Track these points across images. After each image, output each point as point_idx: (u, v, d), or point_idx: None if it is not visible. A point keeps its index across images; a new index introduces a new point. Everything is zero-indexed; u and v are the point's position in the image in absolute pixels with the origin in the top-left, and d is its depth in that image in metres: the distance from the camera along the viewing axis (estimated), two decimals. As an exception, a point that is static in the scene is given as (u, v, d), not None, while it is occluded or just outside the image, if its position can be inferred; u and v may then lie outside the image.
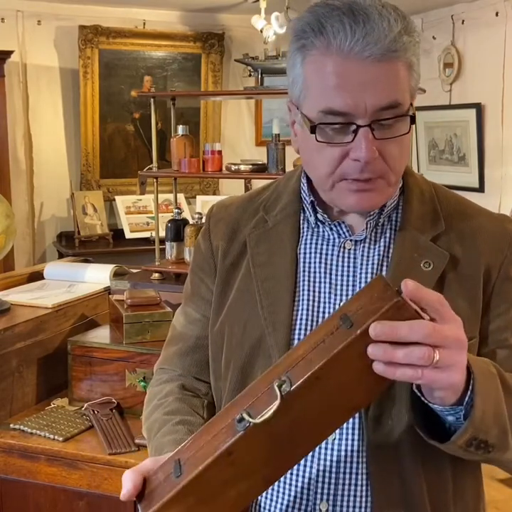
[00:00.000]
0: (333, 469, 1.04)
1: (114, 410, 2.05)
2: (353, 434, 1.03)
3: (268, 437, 0.85)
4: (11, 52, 4.49)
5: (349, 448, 1.03)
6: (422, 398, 0.92)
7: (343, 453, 1.03)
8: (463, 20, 4.68)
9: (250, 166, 2.65)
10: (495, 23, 4.41)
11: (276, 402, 0.82)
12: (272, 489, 1.07)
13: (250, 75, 3.22)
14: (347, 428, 1.04)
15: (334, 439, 1.04)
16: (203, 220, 2.52)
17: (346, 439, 1.04)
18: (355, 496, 1.03)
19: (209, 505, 0.88)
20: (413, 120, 0.99)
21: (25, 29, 4.79)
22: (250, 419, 0.83)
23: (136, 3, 4.90)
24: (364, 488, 1.03)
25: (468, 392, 0.90)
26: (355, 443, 1.03)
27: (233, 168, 2.65)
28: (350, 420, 1.03)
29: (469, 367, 0.90)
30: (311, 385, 0.83)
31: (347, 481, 1.03)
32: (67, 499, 1.92)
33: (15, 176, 4.73)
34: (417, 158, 5.03)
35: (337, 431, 1.03)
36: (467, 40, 4.69)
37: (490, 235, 1.10)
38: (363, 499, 1.03)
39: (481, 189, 4.62)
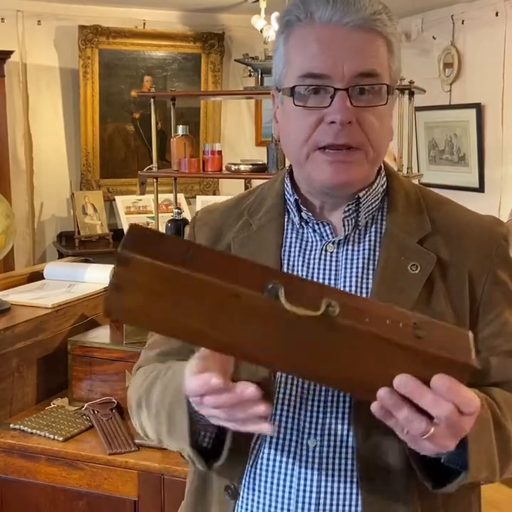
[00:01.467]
0: (315, 477, 1.02)
1: (114, 410, 2.05)
2: (335, 441, 1.02)
3: (274, 327, 0.84)
4: (11, 52, 4.49)
5: (332, 455, 1.02)
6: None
7: (325, 461, 1.02)
8: (463, 21, 4.68)
9: (250, 166, 2.65)
10: (495, 23, 4.41)
11: (314, 313, 0.82)
12: (250, 498, 1.06)
13: (250, 75, 3.22)
14: (329, 435, 1.02)
15: (315, 446, 1.02)
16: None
17: (328, 447, 1.02)
18: (343, 505, 1.02)
19: (184, 308, 0.83)
20: (390, 90, 1.01)
21: (25, 29, 4.79)
22: (281, 298, 0.82)
23: (136, 3, 4.91)
24: (353, 496, 1.02)
25: (467, 451, 0.91)
26: (342, 450, 1.02)
27: (233, 168, 2.65)
28: (335, 427, 1.02)
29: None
30: (348, 334, 0.83)
31: (329, 490, 1.02)
32: (67, 499, 1.92)
33: (15, 176, 4.73)
34: (417, 158, 5.03)
35: (318, 438, 1.02)
36: (467, 40, 4.69)
37: (477, 237, 1.09)
38: (352, 508, 1.02)
39: (481, 189, 4.62)
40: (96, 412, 2.04)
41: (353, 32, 0.98)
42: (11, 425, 2.01)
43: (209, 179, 5.26)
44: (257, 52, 3.37)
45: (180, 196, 4.86)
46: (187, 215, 3.60)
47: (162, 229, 2.70)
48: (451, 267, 1.06)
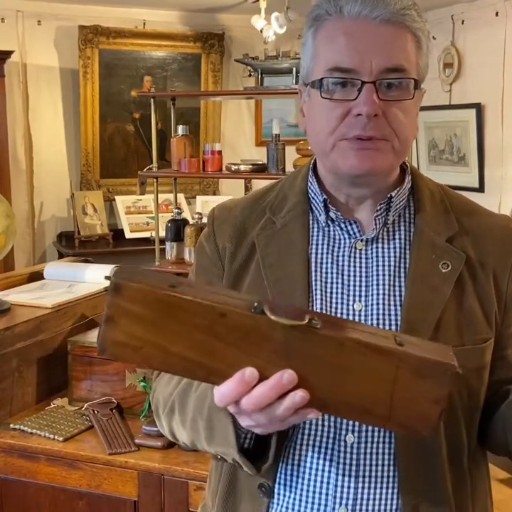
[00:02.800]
0: (353, 473, 1.03)
1: (114, 410, 2.05)
2: (373, 436, 1.03)
3: (261, 340, 0.84)
4: (11, 52, 4.49)
5: (369, 451, 1.03)
6: None
7: (362, 456, 1.03)
8: (463, 21, 4.68)
9: (250, 166, 2.65)
10: (495, 23, 4.41)
11: (298, 323, 0.83)
12: (286, 496, 1.06)
13: (250, 75, 3.22)
14: (367, 431, 1.03)
15: (353, 442, 1.03)
16: (203, 220, 2.52)
17: (366, 443, 1.03)
18: (379, 499, 1.03)
19: (174, 334, 0.85)
20: (417, 85, 1.02)
21: (25, 29, 4.79)
22: (266, 311, 0.84)
23: (136, 3, 4.91)
24: (389, 491, 1.03)
25: None
26: (379, 445, 1.03)
27: (233, 168, 2.65)
28: (376, 429, 1.02)
29: None
30: (333, 344, 0.84)
31: (367, 485, 1.03)
32: (67, 499, 1.92)
33: (15, 176, 4.73)
34: (417, 158, 5.03)
35: (356, 434, 1.03)
36: (467, 40, 4.69)
37: (497, 236, 1.11)
38: (388, 502, 1.03)
39: (481, 189, 4.62)
40: (96, 412, 2.04)
41: (381, 26, 0.99)
42: (11, 425, 2.01)
43: (209, 179, 5.26)
44: (257, 52, 3.36)
45: (180, 196, 4.86)
46: (187, 215, 3.61)
47: (162, 229, 2.70)
48: (478, 266, 1.08)
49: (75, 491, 1.91)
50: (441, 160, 4.96)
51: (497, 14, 4.40)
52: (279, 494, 1.06)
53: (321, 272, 1.08)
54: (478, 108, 4.53)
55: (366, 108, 0.98)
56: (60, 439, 1.94)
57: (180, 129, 2.71)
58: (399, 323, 1.04)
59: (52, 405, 2.15)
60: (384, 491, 1.03)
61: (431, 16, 4.83)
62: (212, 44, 5.25)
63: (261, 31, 4.02)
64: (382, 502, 1.03)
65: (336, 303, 1.07)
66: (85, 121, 4.99)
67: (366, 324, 1.03)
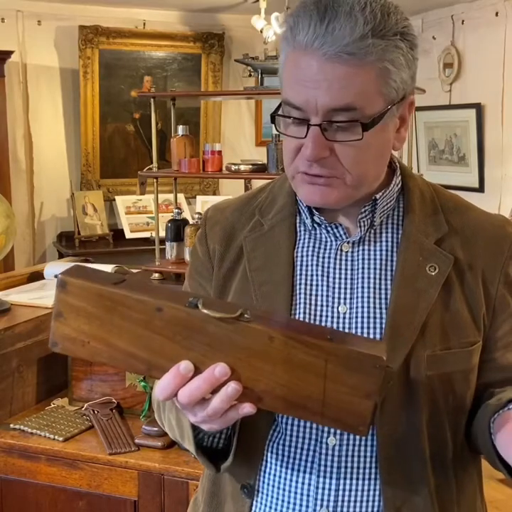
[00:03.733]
0: (334, 475, 1.03)
1: (114, 410, 2.05)
2: (355, 439, 1.03)
3: (195, 333, 0.87)
4: (11, 52, 4.49)
5: (351, 454, 1.03)
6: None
7: (344, 459, 1.03)
8: (463, 21, 4.68)
9: (250, 166, 2.65)
10: (495, 23, 4.41)
11: (229, 316, 0.86)
12: (269, 496, 1.07)
13: (250, 75, 3.22)
14: (349, 433, 1.03)
15: (335, 445, 1.03)
16: (203, 220, 2.52)
17: (348, 445, 1.03)
18: (360, 500, 1.03)
19: (116, 329, 0.88)
20: (365, 128, 0.94)
21: (25, 29, 4.79)
22: (199, 305, 0.86)
23: (136, 3, 4.91)
24: (370, 493, 1.03)
25: None
26: (361, 448, 1.03)
27: (233, 168, 2.65)
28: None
29: None
30: (263, 337, 0.86)
31: (347, 487, 1.03)
32: (67, 499, 1.92)
33: (15, 176, 4.73)
34: (417, 158, 5.03)
35: (338, 437, 1.03)
36: (467, 40, 4.69)
37: (490, 237, 1.09)
38: (370, 504, 1.03)
39: (481, 189, 4.62)
40: (96, 412, 2.04)
41: (329, 63, 0.92)
42: (11, 425, 2.01)
43: (209, 179, 5.26)
44: (257, 52, 3.37)
45: (180, 196, 4.86)
46: (187, 215, 3.61)
47: (162, 229, 2.70)
48: (467, 268, 1.07)
49: (75, 491, 1.91)
50: (441, 160, 4.96)
51: (497, 14, 4.40)
52: (262, 493, 1.07)
53: (306, 275, 1.08)
54: (478, 108, 4.53)
55: (309, 152, 0.96)
56: (60, 439, 1.94)
57: (180, 129, 2.71)
58: (384, 326, 1.03)
59: (52, 405, 2.15)
60: (365, 493, 1.03)
61: (431, 16, 4.84)
62: (212, 44, 5.25)
63: (261, 31, 4.02)
64: (363, 504, 1.03)
65: (321, 305, 1.06)
66: (85, 121, 4.99)
67: (306, 321, 1.04)
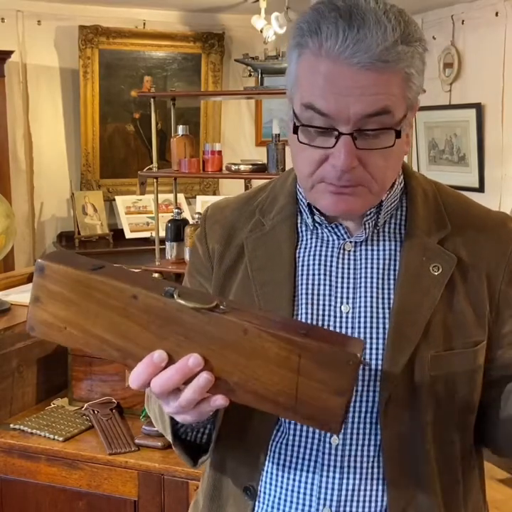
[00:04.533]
0: (337, 475, 1.03)
1: (114, 410, 2.05)
2: (358, 439, 1.03)
3: (170, 323, 0.87)
4: (11, 52, 4.49)
5: (354, 453, 1.03)
6: None
7: (346, 458, 1.03)
8: (463, 21, 4.68)
9: (250, 166, 2.65)
10: (495, 23, 4.41)
11: (204, 306, 0.86)
12: (271, 496, 1.07)
13: (250, 75, 3.22)
14: (352, 433, 1.03)
15: (338, 444, 1.03)
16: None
17: (351, 445, 1.03)
18: (363, 500, 1.03)
19: (92, 315, 0.88)
20: (398, 135, 0.95)
21: (25, 29, 4.79)
22: (174, 294, 0.87)
23: (136, 3, 4.90)
24: (374, 493, 1.03)
25: None
26: (364, 448, 1.03)
27: (233, 168, 2.65)
28: (361, 426, 1.02)
29: None
30: (237, 329, 0.86)
31: (350, 487, 1.03)
32: (67, 499, 1.92)
33: (15, 176, 4.73)
34: (417, 158, 5.03)
35: (341, 436, 1.03)
36: (467, 40, 4.69)
37: (493, 235, 1.09)
38: (372, 504, 1.03)
39: (481, 189, 4.62)
40: (96, 412, 2.04)
41: (361, 72, 0.91)
42: (11, 425, 2.01)
43: (209, 179, 5.26)
44: (257, 52, 3.36)
45: (180, 196, 4.86)
46: (187, 215, 3.61)
47: (162, 229, 2.70)
48: (470, 268, 1.06)
49: (75, 491, 1.91)
50: (441, 160, 4.96)
51: (497, 14, 4.40)
52: (264, 494, 1.07)
53: (307, 274, 1.08)
54: (478, 108, 4.53)
55: (341, 163, 0.94)
56: (60, 439, 1.94)
57: (180, 129, 2.71)
58: (387, 326, 1.03)
59: (52, 405, 2.15)
60: (368, 492, 1.03)
61: (431, 16, 4.83)
62: (212, 44, 5.25)
63: (261, 31, 4.02)
64: (367, 504, 1.03)
65: (323, 305, 1.06)
66: (85, 121, 4.99)
67: (286, 317, 1.03)
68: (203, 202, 5.01)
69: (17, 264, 4.63)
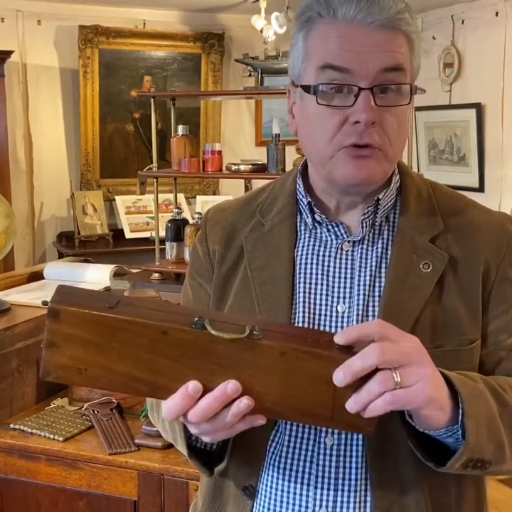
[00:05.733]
0: (332, 475, 1.03)
1: (114, 410, 2.05)
2: (351, 439, 1.03)
3: (203, 354, 0.86)
4: (11, 52, 4.49)
5: (348, 453, 1.03)
6: (417, 427, 0.93)
7: (342, 458, 1.03)
8: (463, 20, 4.69)
9: (250, 166, 2.65)
10: (495, 23, 4.41)
11: (239, 336, 0.85)
12: (268, 497, 1.07)
13: (250, 75, 3.22)
14: (346, 433, 1.03)
15: (333, 444, 1.03)
16: (203, 220, 2.52)
17: (345, 445, 1.03)
18: (354, 502, 1.03)
19: (116, 354, 0.86)
20: (413, 89, 1.01)
21: (25, 29, 4.79)
22: (207, 326, 0.85)
23: (136, 3, 4.91)
24: (363, 493, 1.03)
25: (460, 411, 0.91)
26: (354, 448, 1.03)
27: (233, 168, 2.65)
28: None
29: (454, 387, 0.91)
30: (274, 353, 0.86)
31: (346, 487, 1.03)
32: (67, 499, 1.92)
33: (15, 176, 4.73)
34: (417, 158, 5.03)
35: (335, 436, 1.03)
36: (467, 40, 4.69)
37: (488, 234, 1.09)
38: (362, 504, 1.03)
39: (481, 189, 4.62)
40: (96, 412, 2.04)
41: (376, 31, 0.97)
42: (11, 425, 2.01)
43: (209, 179, 5.26)
44: (257, 52, 3.36)
45: (180, 196, 4.86)
46: (187, 215, 3.60)
47: (162, 229, 2.70)
48: (463, 265, 1.07)
49: (75, 491, 1.91)
50: (441, 160, 4.96)
51: (497, 14, 4.40)
52: (261, 495, 1.07)
53: (305, 274, 1.08)
54: (478, 108, 4.53)
55: (365, 115, 0.97)
56: (60, 439, 1.94)
57: (180, 129, 2.71)
58: None
59: (52, 405, 2.15)
60: (357, 493, 1.03)
61: (431, 16, 4.83)
62: (212, 44, 5.25)
63: (261, 31, 4.02)
64: (356, 505, 1.03)
65: (320, 304, 1.07)
66: (85, 121, 4.99)
67: (312, 329, 1.04)
68: (203, 202, 5.01)
69: (17, 264, 4.63)
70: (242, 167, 2.65)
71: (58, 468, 1.91)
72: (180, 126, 2.73)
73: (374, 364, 0.85)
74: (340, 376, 0.86)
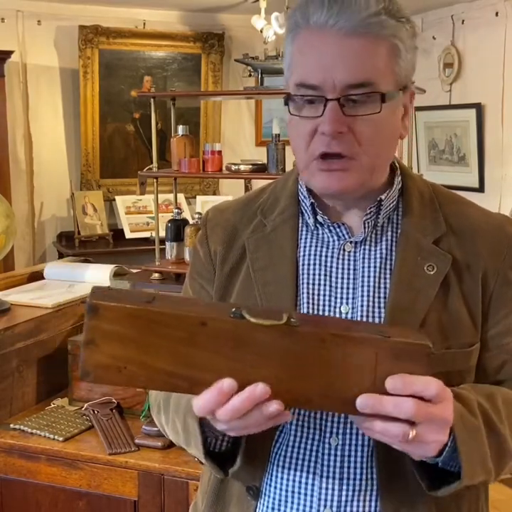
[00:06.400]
0: (337, 475, 1.03)
1: (114, 410, 2.05)
2: (356, 439, 1.03)
3: (243, 344, 0.86)
4: (11, 52, 4.49)
5: (353, 454, 1.03)
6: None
7: (346, 459, 1.03)
8: (463, 20, 4.68)
9: (250, 166, 2.65)
10: (495, 23, 4.41)
11: (277, 322, 0.85)
12: (272, 497, 1.07)
13: (250, 75, 3.22)
14: (351, 434, 1.03)
15: (337, 444, 1.03)
16: (203, 220, 2.52)
17: (350, 445, 1.03)
18: (358, 501, 1.03)
19: (155, 349, 0.85)
20: (383, 99, 0.97)
21: (25, 29, 4.79)
22: (245, 314, 0.85)
23: (136, 3, 4.91)
24: (368, 493, 1.03)
25: (450, 440, 0.92)
26: (359, 448, 1.03)
27: (233, 168, 2.65)
28: (360, 432, 1.02)
29: (453, 431, 0.92)
30: (315, 340, 0.86)
31: (351, 488, 1.03)
32: (67, 499, 1.92)
33: (15, 176, 4.73)
34: (417, 158, 5.03)
35: (340, 437, 1.03)
36: (467, 40, 4.69)
37: (489, 237, 1.09)
38: (367, 504, 1.03)
39: (481, 189, 4.62)
40: (96, 412, 2.04)
41: (346, 39, 0.95)
42: (11, 425, 2.01)
43: (209, 179, 5.26)
44: (257, 52, 3.36)
45: (180, 196, 4.86)
46: (187, 215, 3.60)
47: (162, 229, 2.70)
48: (465, 268, 1.07)
49: (75, 491, 1.91)
50: (441, 160, 4.96)
51: (497, 14, 4.40)
52: (265, 495, 1.07)
53: (308, 275, 1.08)
54: (478, 108, 4.53)
55: (328, 127, 0.96)
56: (60, 439, 1.94)
57: (180, 129, 2.71)
58: None
59: (52, 405, 2.15)
60: (363, 493, 1.03)
61: (431, 16, 4.83)
62: (212, 44, 5.25)
63: (261, 31, 4.02)
64: (361, 504, 1.03)
65: (323, 305, 1.07)
66: (85, 121, 4.99)
67: (347, 319, 1.04)
68: (203, 202, 5.01)
69: (17, 264, 4.63)
70: (242, 167, 2.64)
71: (58, 468, 1.91)
72: (180, 126, 2.73)
73: (403, 418, 0.86)
74: (364, 404, 0.86)
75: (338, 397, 0.88)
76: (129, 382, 0.88)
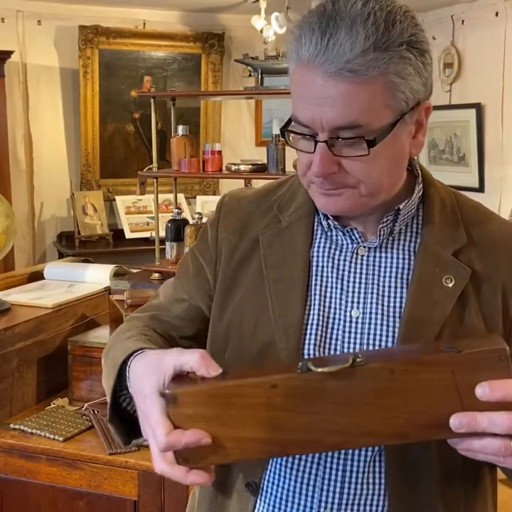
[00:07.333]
0: (338, 478, 1.03)
1: (114, 410, 2.05)
2: (367, 448, 1.02)
3: (317, 396, 0.86)
4: (11, 52, 4.49)
5: (356, 457, 1.03)
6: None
7: (349, 462, 1.03)
8: (463, 21, 4.69)
9: (250, 166, 2.65)
10: (495, 23, 4.41)
11: (343, 366, 0.85)
12: (273, 495, 1.07)
13: (250, 75, 3.22)
14: None
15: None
16: (203, 220, 2.52)
17: (360, 452, 1.03)
18: (359, 504, 1.02)
19: (234, 423, 0.88)
20: (370, 144, 0.93)
21: (25, 29, 4.79)
22: (311, 367, 0.86)
23: (136, 3, 4.91)
24: (368, 497, 1.02)
25: None
26: (361, 452, 1.02)
27: (233, 168, 2.65)
28: None
29: None
30: (384, 373, 0.86)
31: (352, 491, 1.03)
32: (67, 499, 1.92)
33: (15, 176, 4.73)
34: (417, 159, 5.03)
35: None
36: (467, 40, 4.69)
37: (509, 249, 1.07)
38: (367, 508, 1.02)
39: (481, 189, 4.62)
40: (96, 412, 2.04)
41: (331, 80, 0.91)
42: (11, 425, 2.01)
43: (209, 179, 5.25)
44: (257, 52, 3.36)
45: (180, 196, 4.86)
46: (187, 215, 3.60)
47: (162, 229, 2.70)
48: (485, 280, 1.05)
49: (75, 491, 1.91)
50: (441, 160, 4.96)
51: (497, 14, 4.40)
52: (266, 492, 1.07)
53: (321, 276, 1.08)
54: (478, 108, 4.53)
55: (317, 169, 0.96)
56: (60, 439, 1.94)
57: (180, 129, 2.71)
58: (396, 335, 1.02)
59: (52, 405, 2.15)
60: (370, 497, 1.03)
61: (431, 16, 4.83)
62: (213, 44, 5.25)
63: (261, 31, 4.02)
64: (367, 508, 1.02)
65: (334, 308, 1.06)
66: (85, 121, 4.99)
67: (411, 345, 1.01)
68: (203, 202, 5.01)
69: (17, 264, 4.63)
70: (242, 167, 2.65)
71: (58, 468, 1.91)
72: (180, 126, 2.73)
73: (498, 433, 0.85)
74: (458, 424, 0.85)
75: (429, 424, 0.87)
76: (226, 459, 0.91)
